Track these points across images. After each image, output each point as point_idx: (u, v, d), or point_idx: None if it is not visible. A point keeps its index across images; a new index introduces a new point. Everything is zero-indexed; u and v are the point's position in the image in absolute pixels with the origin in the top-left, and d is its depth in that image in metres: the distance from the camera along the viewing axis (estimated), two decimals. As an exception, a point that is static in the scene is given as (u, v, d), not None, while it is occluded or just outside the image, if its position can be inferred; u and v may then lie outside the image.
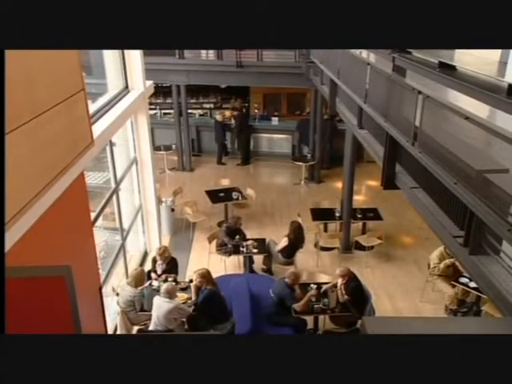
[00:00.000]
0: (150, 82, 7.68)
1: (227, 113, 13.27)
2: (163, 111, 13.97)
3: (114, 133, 5.84)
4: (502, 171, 2.72)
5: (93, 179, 6.64)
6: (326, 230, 9.05)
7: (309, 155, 12.05)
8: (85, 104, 4.19)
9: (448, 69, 3.34)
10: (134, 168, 7.62)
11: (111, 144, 6.20)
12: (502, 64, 6.93)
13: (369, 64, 5.01)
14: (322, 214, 8.98)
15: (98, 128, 4.89)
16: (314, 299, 6.06)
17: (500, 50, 7.48)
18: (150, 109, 11.66)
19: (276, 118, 13.31)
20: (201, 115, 14.20)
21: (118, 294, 6.16)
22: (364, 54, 5.66)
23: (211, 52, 11.49)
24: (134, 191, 7.86)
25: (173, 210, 9.42)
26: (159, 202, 8.75)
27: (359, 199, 10.54)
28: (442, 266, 6.83)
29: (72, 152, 3.86)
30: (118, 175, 6.57)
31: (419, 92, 3.54)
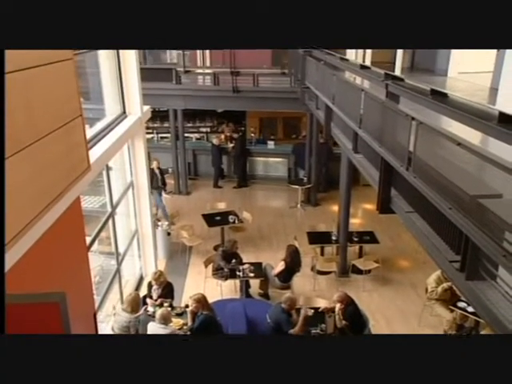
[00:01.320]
0: (147, 107, 7.76)
1: (223, 136, 13.39)
2: (160, 135, 14.08)
3: (110, 157, 5.88)
4: (496, 196, 2.75)
5: (89, 203, 6.63)
6: (322, 253, 9.02)
7: (305, 178, 12.10)
8: (82, 130, 4.23)
9: (440, 96, 3.41)
10: (130, 192, 7.64)
11: (108, 168, 6.23)
12: (493, 90, 7.09)
13: (363, 90, 5.10)
14: (318, 238, 8.97)
15: (95, 153, 4.93)
16: (310, 313, 5.95)
17: (491, 76, 7.66)
18: (147, 133, 11.74)
19: (272, 142, 13.43)
20: (197, 139, 14.32)
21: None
22: (358, 80, 5.77)
23: (208, 77, 11.67)
24: (130, 215, 7.85)
25: (169, 233, 9.38)
26: (155, 225, 8.73)
27: (355, 222, 10.55)
28: (439, 289, 6.79)
29: (69, 177, 3.87)
30: (115, 199, 6.57)
31: (412, 118, 3.60)
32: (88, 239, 5.14)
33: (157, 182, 10.20)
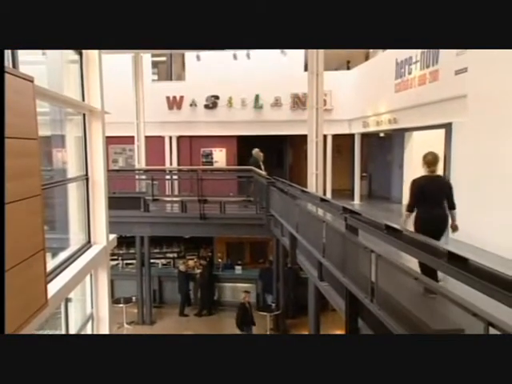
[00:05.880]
0: (113, 236, 7.72)
1: (191, 262, 13.28)
2: (125, 261, 13.83)
3: (70, 290, 5.65)
4: (458, 331, 2.76)
5: (42, 339, 6.16)
6: (294, 388, 8.43)
7: (273, 304, 11.86)
8: (43, 263, 4.10)
9: (394, 231, 3.60)
10: (89, 325, 7.20)
11: (67, 300, 5.94)
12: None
13: (324, 222, 5.33)
14: (289, 370, 8.48)
15: (54, 286, 4.74)
16: None
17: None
18: (112, 259, 11.56)
19: (239, 267, 13.38)
20: (164, 265, 14.12)
21: None
22: (320, 212, 6.05)
23: (176, 205, 11.96)
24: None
25: (128, 370, 8.67)
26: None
27: (327, 351, 10.13)
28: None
29: (22, 314, 3.65)
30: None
31: (372, 251, 3.74)
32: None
33: (247, 317, 10.35)
